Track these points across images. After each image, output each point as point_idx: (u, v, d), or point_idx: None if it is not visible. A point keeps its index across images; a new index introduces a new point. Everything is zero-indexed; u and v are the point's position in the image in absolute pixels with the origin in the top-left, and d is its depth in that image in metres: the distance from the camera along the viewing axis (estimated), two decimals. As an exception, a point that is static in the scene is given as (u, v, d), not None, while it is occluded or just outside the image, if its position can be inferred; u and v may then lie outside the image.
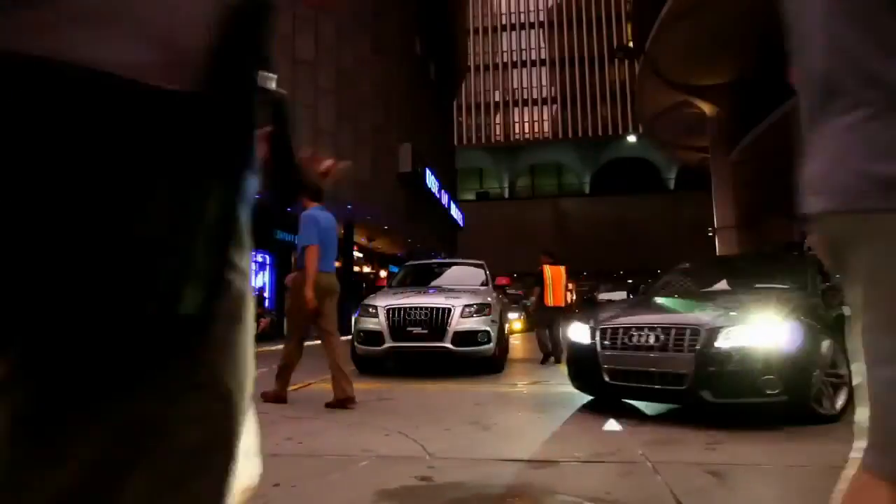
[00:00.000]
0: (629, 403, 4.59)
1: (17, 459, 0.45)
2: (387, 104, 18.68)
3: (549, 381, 6.26)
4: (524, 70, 52.12)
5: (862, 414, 0.77)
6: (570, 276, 9.60)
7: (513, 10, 53.03)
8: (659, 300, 5.18)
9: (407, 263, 11.04)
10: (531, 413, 4.61)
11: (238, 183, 0.48)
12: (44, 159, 0.38)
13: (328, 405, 4.81)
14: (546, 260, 8.52)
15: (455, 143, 38.25)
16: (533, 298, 8.84)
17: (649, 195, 42.39)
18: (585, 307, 13.48)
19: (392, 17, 19.38)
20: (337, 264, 5.32)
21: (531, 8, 52.80)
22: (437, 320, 6.75)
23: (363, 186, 17.08)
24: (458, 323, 6.73)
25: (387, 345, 6.81)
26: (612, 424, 3.89)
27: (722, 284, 5.50)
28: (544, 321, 8.39)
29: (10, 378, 0.45)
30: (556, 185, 50.20)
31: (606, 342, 4.41)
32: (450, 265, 9.86)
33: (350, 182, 16.78)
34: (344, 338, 5.78)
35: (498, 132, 51.85)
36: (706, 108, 23.53)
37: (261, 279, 18.01)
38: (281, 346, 5.71)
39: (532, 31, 52.51)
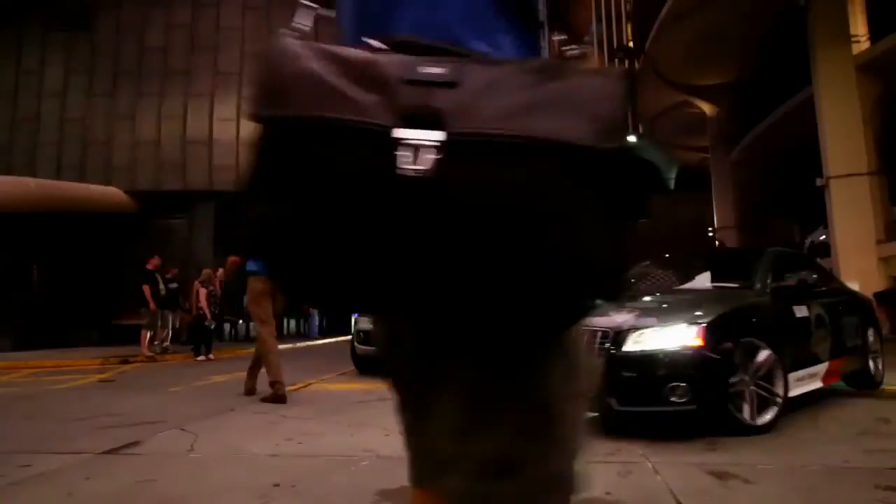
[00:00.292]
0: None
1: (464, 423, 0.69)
2: (387, 104, 18.69)
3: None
4: (524, 70, 52.11)
5: None
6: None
7: (513, 10, 53.04)
8: None
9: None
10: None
11: (642, 210, 0.62)
12: (558, 204, 0.55)
13: (264, 399, 5.13)
14: None
15: (455, 143, 38.24)
16: None
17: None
18: None
19: (392, 17, 19.39)
20: None
21: (531, 8, 52.79)
22: (436, 320, 6.73)
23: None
24: (457, 323, 6.71)
25: (387, 345, 6.80)
26: (612, 425, 3.89)
27: (675, 283, 5.17)
28: None
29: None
30: (556, 185, 50.21)
31: None
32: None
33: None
34: (344, 338, 5.83)
35: (498, 132, 51.84)
36: (706, 108, 23.53)
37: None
38: (280, 347, 5.72)
39: (532, 31, 52.51)
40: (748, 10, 15.73)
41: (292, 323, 18.92)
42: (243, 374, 5.80)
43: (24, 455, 3.31)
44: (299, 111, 0.56)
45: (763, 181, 21.37)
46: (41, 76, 14.89)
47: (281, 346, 5.91)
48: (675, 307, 3.95)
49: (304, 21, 0.71)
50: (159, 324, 10.87)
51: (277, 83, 0.59)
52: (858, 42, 14.33)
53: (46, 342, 12.36)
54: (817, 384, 4.27)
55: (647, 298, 4.47)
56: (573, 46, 0.68)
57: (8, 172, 13.67)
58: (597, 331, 3.71)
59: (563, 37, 0.73)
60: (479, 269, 0.55)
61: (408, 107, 0.55)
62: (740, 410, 3.52)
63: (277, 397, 5.05)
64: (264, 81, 0.60)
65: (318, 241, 0.57)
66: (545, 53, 0.78)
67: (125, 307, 11.35)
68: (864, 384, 5.02)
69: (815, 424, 3.89)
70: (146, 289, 10.33)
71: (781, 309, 4.14)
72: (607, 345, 3.63)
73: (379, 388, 5.81)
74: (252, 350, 6.12)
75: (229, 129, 14.86)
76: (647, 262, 5.65)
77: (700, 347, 3.49)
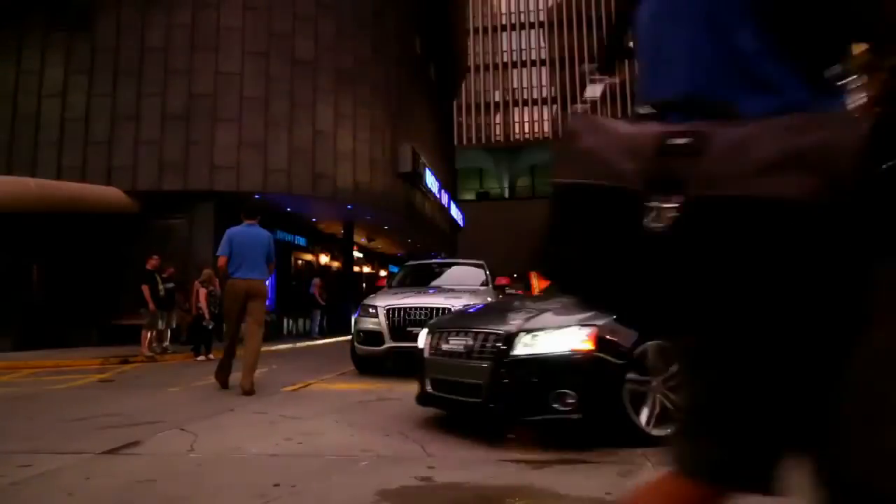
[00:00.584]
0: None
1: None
2: (387, 104, 18.68)
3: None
4: (524, 70, 52.09)
5: None
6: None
7: (513, 10, 53.01)
8: (517, 302, 4.62)
9: (407, 263, 11.04)
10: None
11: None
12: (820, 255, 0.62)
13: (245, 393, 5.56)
14: None
15: (455, 143, 38.24)
16: None
17: (649, 195, 42.36)
18: None
19: (392, 17, 19.37)
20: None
21: (531, 8, 52.78)
22: (436, 320, 6.75)
23: (363, 186, 17.08)
24: (457, 323, 6.72)
25: (387, 345, 6.82)
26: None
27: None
28: None
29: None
30: (556, 185, 50.15)
31: (431, 347, 3.96)
32: (450, 265, 9.86)
33: (350, 182, 16.79)
34: (344, 338, 5.92)
35: (498, 132, 51.83)
36: (706, 108, 23.52)
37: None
38: (280, 347, 5.76)
39: (532, 31, 52.49)
40: (748, 10, 15.72)
41: (292, 323, 18.91)
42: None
43: (24, 455, 3.31)
44: (577, 178, 0.74)
45: (763, 181, 21.40)
46: (41, 76, 14.89)
47: (281, 346, 5.96)
48: (577, 307, 3.63)
49: (594, 93, 0.88)
50: (159, 324, 10.86)
51: (566, 157, 0.78)
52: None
53: (46, 342, 12.35)
54: None
55: (552, 300, 4.19)
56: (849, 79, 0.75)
57: (8, 172, 13.67)
58: (489, 334, 3.50)
59: (837, 70, 0.74)
60: (719, 302, 0.66)
61: (656, 175, 0.68)
62: (638, 416, 3.27)
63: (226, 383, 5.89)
64: (559, 155, 0.79)
65: (596, 276, 0.75)
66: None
67: (125, 307, 11.35)
68: None
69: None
70: (145, 289, 10.33)
71: None
72: (499, 347, 3.39)
73: (379, 388, 5.84)
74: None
75: (230, 129, 14.86)
76: None
77: (590, 352, 3.22)
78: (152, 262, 10.74)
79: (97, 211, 13.87)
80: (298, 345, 13.57)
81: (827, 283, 0.63)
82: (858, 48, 0.78)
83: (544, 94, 51.63)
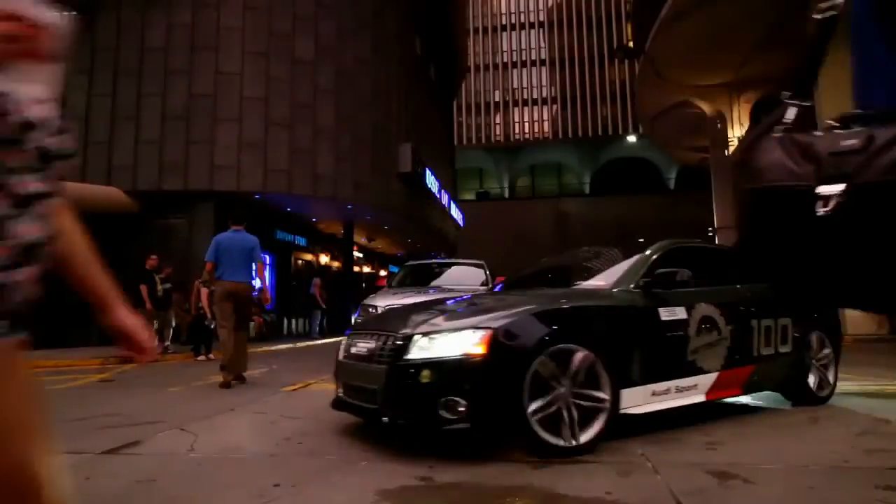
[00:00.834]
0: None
1: None
2: (387, 104, 18.69)
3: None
4: (524, 70, 52.09)
5: None
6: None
7: (513, 10, 53.00)
8: (451, 301, 4.39)
9: (407, 263, 11.04)
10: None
11: None
12: None
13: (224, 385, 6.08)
14: None
15: (455, 143, 38.24)
16: None
17: (649, 195, 42.38)
18: None
19: (392, 17, 19.38)
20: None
21: (531, 8, 52.77)
22: (437, 320, 6.74)
23: (363, 186, 17.08)
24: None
25: (387, 345, 6.80)
26: (611, 425, 3.89)
27: (549, 281, 4.85)
28: None
29: None
30: (556, 185, 50.17)
31: (344, 350, 3.79)
32: (450, 265, 9.87)
33: (350, 182, 16.78)
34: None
35: (498, 132, 51.83)
36: (706, 108, 23.52)
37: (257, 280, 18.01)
38: (280, 347, 5.79)
39: (532, 31, 52.48)
40: (748, 9, 15.73)
41: (293, 323, 18.91)
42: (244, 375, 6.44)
43: (24, 455, 3.31)
44: (766, 183, 0.93)
45: (763, 181, 21.37)
46: (41, 76, 14.89)
47: (281, 346, 6.00)
48: (478, 309, 3.47)
49: (790, 116, 1.00)
50: (155, 324, 10.84)
51: (755, 168, 0.95)
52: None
53: (46, 342, 12.35)
54: (696, 398, 3.73)
55: (460, 299, 4.05)
56: None
57: (8, 172, 13.68)
58: (389, 336, 3.33)
59: None
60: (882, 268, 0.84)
61: (828, 172, 0.86)
62: (553, 429, 3.04)
63: (224, 383, 6.12)
64: (748, 166, 0.96)
65: (795, 261, 0.94)
66: None
67: (130, 307, 11.33)
68: (799, 398, 4.42)
69: (815, 424, 3.90)
70: (143, 289, 10.32)
71: (639, 311, 3.60)
72: (395, 350, 3.21)
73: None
74: (253, 350, 6.73)
75: (230, 129, 14.86)
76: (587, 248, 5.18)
77: (483, 356, 3.01)
78: (150, 262, 10.73)
79: (97, 211, 13.87)
80: (298, 345, 13.57)
81: None
82: None
83: (544, 94, 51.62)
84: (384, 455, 3.21)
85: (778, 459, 2.99)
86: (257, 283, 6.78)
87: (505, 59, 52.27)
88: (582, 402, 3.15)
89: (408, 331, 3.26)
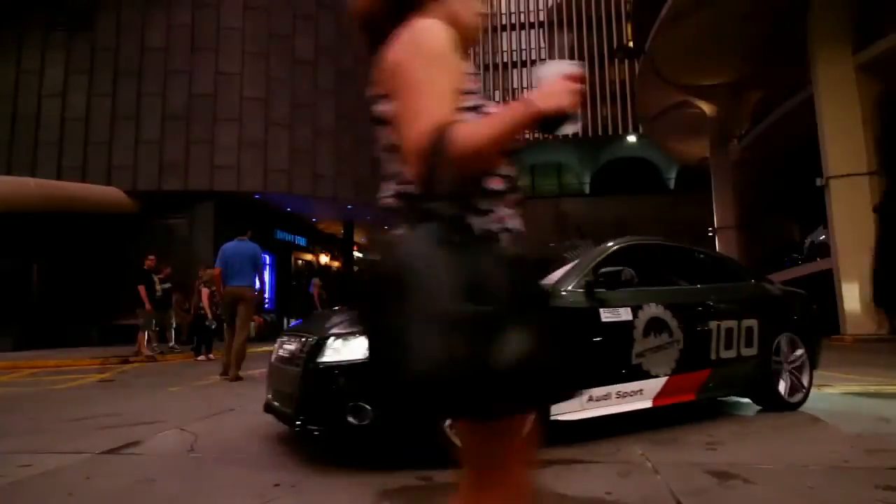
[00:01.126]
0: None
1: None
2: (387, 104, 18.67)
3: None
4: (524, 70, 52.10)
5: None
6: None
7: (513, 10, 53.01)
8: None
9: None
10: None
11: None
12: None
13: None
14: None
15: (455, 143, 38.21)
16: None
17: (649, 195, 42.36)
18: None
19: (392, 17, 19.38)
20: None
21: (531, 8, 52.78)
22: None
23: (363, 186, 17.08)
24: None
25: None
26: (611, 424, 3.89)
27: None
28: None
29: None
30: (556, 185, 50.16)
31: (274, 353, 3.65)
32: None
33: (350, 182, 16.78)
34: None
35: (498, 132, 51.77)
36: (706, 108, 23.52)
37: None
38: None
39: (532, 31, 52.50)
40: (748, 10, 15.73)
41: (293, 323, 18.89)
42: (242, 375, 6.85)
43: (24, 455, 3.31)
44: None
45: (763, 181, 21.38)
46: (41, 76, 14.89)
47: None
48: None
49: None
50: (153, 324, 10.83)
51: None
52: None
53: (46, 342, 12.36)
54: (641, 404, 3.54)
55: None
56: None
57: (8, 172, 13.68)
58: (308, 337, 3.21)
59: None
60: None
61: None
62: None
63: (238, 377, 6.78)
64: None
65: None
66: None
67: (125, 307, 11.37)
68: (768, 404, 4.23)
69: (815, 424, 3.89)
70: (141, 289, 10.31)
71: (576, 312, 3.38)
72: (310, 352, 3.08)
73: (379, 388, 5.82)
74: (253, 349, 6.95)
75: (230, 129, 14.85)
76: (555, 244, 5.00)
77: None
78: (148, 262, 10.73)
79: (97, 211, 13.88)
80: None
81: None
82: None
83: (544, 94, 51.53)
84: (384, 455, 3.21)
85: (778, 459, 2.98)
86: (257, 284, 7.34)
87: (505, 59, 52.28)
88: None
89: (324, 332, 3.09)
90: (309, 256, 21.15)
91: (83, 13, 14.96)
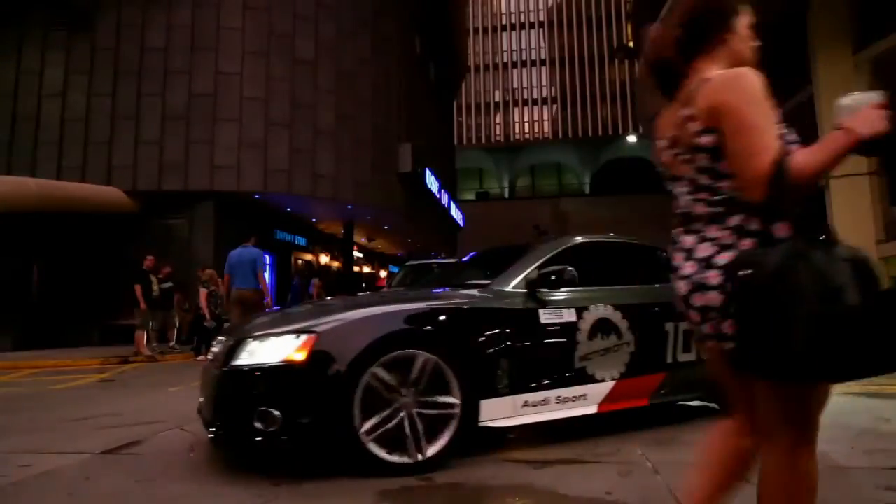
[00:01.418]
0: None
1: None
2: (387, 104, 18.68)
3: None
4: (524, 70, 52.10)
5: None
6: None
7: (513, 10, 53.01)
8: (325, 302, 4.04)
9: (407, 263, 11.04)
10: (531, 413, 4.60)
11: None
12: None
13: None
14: None
15: (455, 143, 38.25)
16: None
17: (649, 195, 42.36)
18: None
19: (392, 16, 19.38)
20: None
21: (531, 8, 52.79)
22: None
23: (363, 186, 17.08)
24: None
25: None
26: (611, 424, 3.89)
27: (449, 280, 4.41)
28: None
29: None
30: (556, 185, 50.17)
31: (210, 355, 3.50)
32: (450, 265, 9.85)
33: (350, 182, 16.78)
34: None
35: (498, 132, 51.84)
36: (706, 108, 23.50)
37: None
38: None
39: (532, 31, 52.49)
40: (748, 9, 15.69)
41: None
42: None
43: (24, 455, 3.31)
44: None
45: (763, 181, 21.38)
46: (41, 76, 14.89)
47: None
48: (325, 310, 3.08)
49: None
50: (150, 324, 10.82)
51: None
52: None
53: (46, 342, 12.36)
54: (584, 409, 3.37)
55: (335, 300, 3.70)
56: None
57: (8, 172, 13.67)
58: (228, 339, 3.13)
59: None
60: None
61: None
62: (401, 447, 2.78)
63: None
64: None
65: None
66: None
67: (124, 307, 11.38)
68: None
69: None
70: (137, 288, 10.31)
71: (512, 313, 3.23)
72: (226, 355, 2.95)
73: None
74: None
75: (230, 129, 14.86)
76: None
77: (302, 363, 2.71)
78: (147, 263, 10.72)
79: (97, 211, 13.87)
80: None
81: None
82: None
83: (544, 94, 51.63)
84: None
85: (778, 459, 2.98)
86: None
87: (505, 59, 52.28)
88: (428, 412, 2.86)
89: (244, 334, 2.97)
90: (309, 256, 21.15)
91: (83, 13, 14.96)
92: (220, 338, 3.47)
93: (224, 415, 2.87)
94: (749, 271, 1.23)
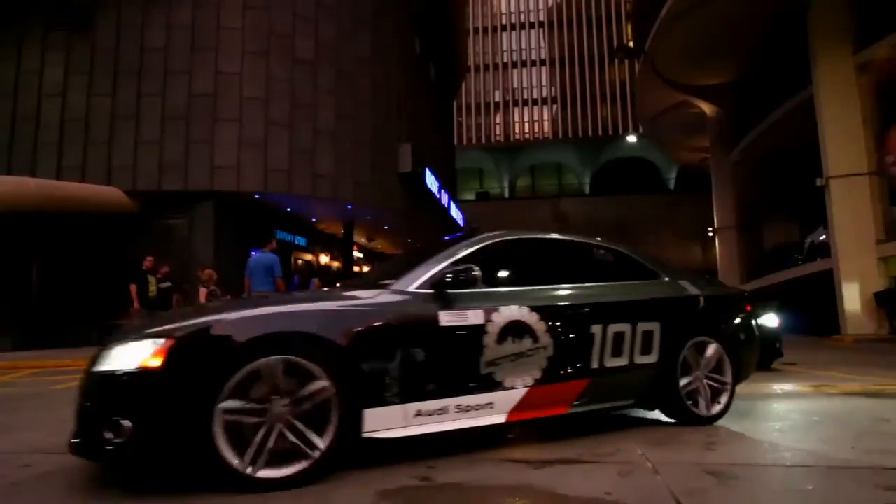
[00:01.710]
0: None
1: None
2: (387, 104, 18.68)
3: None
4: (524, 70, 52.11)
5: None
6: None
7: (513, 10, 53.02)
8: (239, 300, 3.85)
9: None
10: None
11: None
12: None
13: None
14: None
15: (455, 143, 38.25)
16: None
17: (649, 195, 42.37)
18: None
19: (392, 17, 19.38)
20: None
21: (531, 8, 52.80)
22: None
23: (363, 186, 17.08)
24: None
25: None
26: (611, 424, 3.89)
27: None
28: None
29: None
30: (556, 185, 50.18)
31: None
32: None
33: (350, 182, 16.79)
34: None
35: (498, 132, 51.85)
36: (706, 108, 23.51)
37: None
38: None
39: (532, 31, 52.50)
40: (748, 9, 15.73)
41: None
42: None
43: (24, 455, 3.31)
44: None
45: (763, 181, 21.38)
46: (41, 76, 14.90)
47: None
48: (189, 314, 2.87)
49: None
50: None
51: None
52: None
53: (46, 342, 12.36)
54: (491, 419, 3.13)
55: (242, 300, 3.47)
56: None
57: (8, 172, 13.68)
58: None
59: None
60: None
61: None
62: (241, 453, 2.54)
63: None
64: None
65: None
66: None
67: (124, 307, 11.38)
68: (679, 417, 3.76)
69: (816, 424, 3.90)
70: (133, 288, 10.29)
71: (407, 316, 2.98)
72: (93, 360, 2.73)
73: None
74: None
75: (230, 129, 14.86)
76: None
77: (157, 369, 2.50)
78: (146, 263, 10.70)
79: (97, 211, 13.88)
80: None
81: None
82: None
83: (544, 94, 51.65)
84: (384, 455, 3.20)
85: (778, 459, 2.99)
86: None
87: (505, 59, 52.29)
88: (298, 425, 2.65)
89: (117, 338, 2.75)
90: (309, 256, 21.15)
91: (83, 13, 14.96)
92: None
93: (80, 422, 2.65)
94: None
